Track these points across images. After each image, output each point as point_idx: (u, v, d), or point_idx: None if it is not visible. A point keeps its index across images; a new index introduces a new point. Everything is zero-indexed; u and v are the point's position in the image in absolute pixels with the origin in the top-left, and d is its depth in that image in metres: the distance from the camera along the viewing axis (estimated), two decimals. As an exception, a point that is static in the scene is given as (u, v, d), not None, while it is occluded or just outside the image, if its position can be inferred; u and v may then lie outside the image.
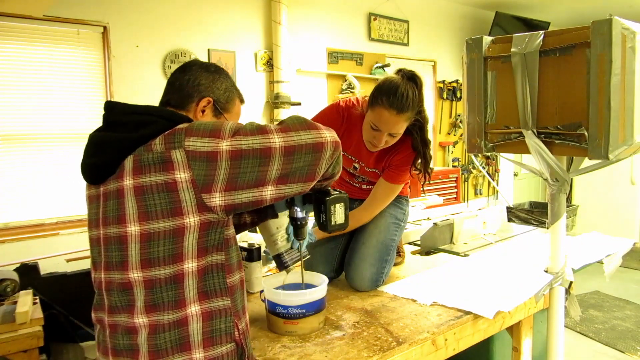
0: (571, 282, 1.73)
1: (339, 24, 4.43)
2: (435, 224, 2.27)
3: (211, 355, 0.97)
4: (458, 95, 5.47)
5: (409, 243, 2.35)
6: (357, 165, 1.84)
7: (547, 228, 1.73)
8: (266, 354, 1.23)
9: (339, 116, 1.75)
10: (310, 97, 4.20)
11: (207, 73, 1.15)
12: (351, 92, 4.30)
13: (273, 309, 1.34)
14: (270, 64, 3.93)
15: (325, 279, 1.41)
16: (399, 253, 2.01)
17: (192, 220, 0.93)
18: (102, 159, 0.98)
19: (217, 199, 0.93)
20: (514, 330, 1.71)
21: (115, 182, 0.96)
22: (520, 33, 1.50)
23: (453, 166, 5.47)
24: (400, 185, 1.79)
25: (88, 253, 1.08)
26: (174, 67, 2.76)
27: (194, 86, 1.12)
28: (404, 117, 1.58)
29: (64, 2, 2.97)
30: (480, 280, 1.75)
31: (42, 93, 3.00)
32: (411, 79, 1.60)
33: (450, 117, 5.54)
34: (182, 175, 0.92)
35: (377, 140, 1.63)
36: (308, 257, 1.39)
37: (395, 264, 1.93)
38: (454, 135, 5.57)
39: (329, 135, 1.02)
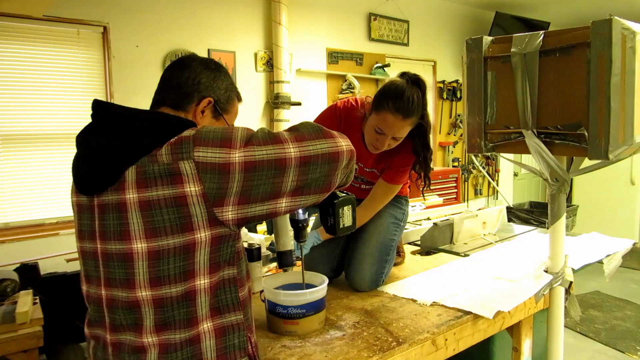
0: (571, 282, 1.73)
1: (339, 24, 4.43)
2: (435, 224, 2.27)
3: None
4: (458, 95, 5.47)
5: (409, 243, 2.35)
6: (356, 166, 1.83)
7: (547, 228, 1.73)
8: (266, 354, 1.23)
9: (336, 118, 1.75)
10: (310, 97, 4.20)
11: (207, 71, 1.07)
12: (351, 92, 4.30)
13: (273, 309, 1.34)
14: (270, 64, 3.93)
15: (325, 279, 1.41)
16: (399, 253, 2.01)
17: (203, 235, 0.88)
18: (100, 169, 0.91)
19: (230, 213, 0.88)
20: (514, 330, 1.71)
21: (114, 194, 0.89)
22: (520, 33, 1.50)
23: (453, 166, 5.47)
24: (399, 186, 1.79)
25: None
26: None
27: (194, 85, 1.04)
28: (408, 122, 1.58)
29: (64, 2, 2.96)
30: (480, 280, 1.75)
31: (42, 93, 3.00)
32: (415, 82, 1.59)
33: (450, 117, 5.54)
34: (192, 189, 0.86)
35: (380, 144, 1.63)
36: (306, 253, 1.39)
37: (395, 264, 1.93)
38: (454, 135, 5.57)
39: (344, 143, 0.97)
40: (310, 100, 4.16)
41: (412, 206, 3.01)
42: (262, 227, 2.37)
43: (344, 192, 1.20)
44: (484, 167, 5.80)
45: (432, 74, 5.34)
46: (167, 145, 0.88)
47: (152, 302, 0.89)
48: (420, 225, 2.59)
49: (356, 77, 4.38)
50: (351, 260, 1.74)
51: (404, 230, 2.34)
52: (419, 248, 2.23)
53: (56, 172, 3.05)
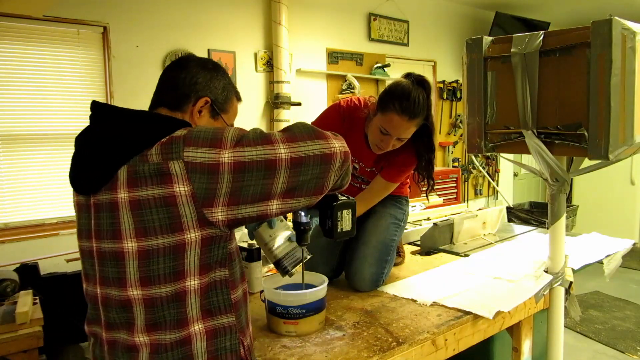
0: (571, 282, 1.73)
1: (339, 24, 4.43)
2: (435, 224, 2.27)
3: None
4: (458, 95, 5.47)
5: (409, 243, 2.35)
6: (357, 166, 1.84)
7: (547, 228, 1.73)
8: (266, 354, 1.23)
9: (340, 116, 1.75)
10: (310, 97, 4.20)
11: (204, 71, 1.06)
12: (351, 92, 4.30)
13: (273, 309, 1.34)
14: (270, 64, 3.93)
15: (325, 279, 1.41)
16: (399, 253, 2.01)
17: (193, 235, 0.88)
18: (93, 168, 0.92)
19: (219, 214, 0.88)
20: (514, 330, 1.71)
21: (107, 193, 0.90)
22: (520, 33, 1.50)
23: (453, 166, 5.47)
24: (395, 185, 1.79)
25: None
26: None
27: (191, 85, 1.04)
28: (414, 123, 1.59)
29: (64, 2, 2.96)
30: (480, 280, 1.75)
31: (42, 93, 3.00)
32: (421, 83, 1.59)
33: (450, 117, 5.54)
34: (181, 189, 0.86)
35: (384, 144, 1.63)
36: (310, 257, 1.37)
37: (395, 264, 1.93)
38: (454, 135, 5.57)
39: (338, 145, 0.95)
40: (310, 100, 4.16)
41: (412, 206, 3.01)
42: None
43: (344, 196, 1.18)
44: (484, 167, 5.80)
45: (432, 74, 5.34)
46: (158, 145, 0.88)
47: (142, 301, 0.89)
48: (420, 225, 2.59)
49: (356, 77, 4.38)
50: (351, 260, 1.74)
51: (404, 231, 2.35)
52: (419, 248, 2.23)
53: (56, 172, 3.05)
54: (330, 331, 1.35)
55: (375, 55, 4.67)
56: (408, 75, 1.62)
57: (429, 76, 5.31)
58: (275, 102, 3.88)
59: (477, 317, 1.46)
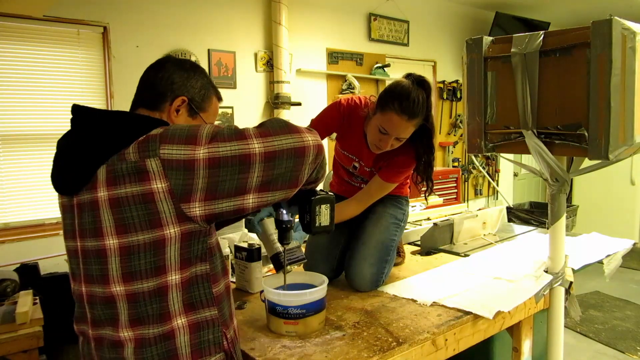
0: (571, 283, 1.73)
1: (339, 24, 4.43)
2: (435, 224, 2.27)
3: None
4: (458, 95, 5.47)
5: (409, 243, 2.35)
6: (356, 165, 1.84)
7: (547, 228, 1.73)
8: (266, 354, 1.23)
9: (340, 115, 1.75)
10: (310, 97, 4.20)
11: (181, 71, 1.09)
12: (351, 92, 4.31)
13: (273, 309, 1.34)
14: (270, 64, 3.93)
15: (325, 279, 1.41)
16: (399, 253, 2.01)
17: (172, 231, 0.90)
18: (73, 169, 0.95)
19: (197, 209, 0.90)
20: (514, 330, 1.71)
21: (88, 193, 0.92)
22: (520, 33, 1.50)
23: (453, 166, 5.47)
24: (393, 185, 1.79)
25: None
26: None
27: (167, 84, 1.06)
28: (413, 123, 1.59)
29: (64, 2, 2.97)
30: (480, 280, 1.75)
31: (42, 93, 3.00)
32: (421, 84, 1.59)
33: (450, 117, 5.54)
34: (158, 186, 0.88)
35: (383, 144, 1.63)
36: (304, 260, 1.38)
37: (395, 264, 1.93)
38: (454, 135, 5.57)
39: (311, 138, 0.98)
40: (310, 100, 4.16)
41: (412, 206, 3.01)
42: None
43: (323, 191, 1.19)
44: (484, 167, 5.80)
45: (432, 74, 5.34)
46: (135, 144, 0.90)
47: (125, 297, 0.91)
48: (420, 225, 2.59)
49: (356, 77, 4.39)
50: (351, 260, 1.74)
51: (404, 231, 2.35)
52: (419, 248, 2.23)
53: (56, 172, 3.05)
54: (330, 331, 1.35)
55: (375, 55, 4.67)
56: (408, 76, 1.62)
57: (429, 76, 5.32)
58: (275, 102, 3.88)
59: (477, 317, 1.46)
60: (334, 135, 1.87)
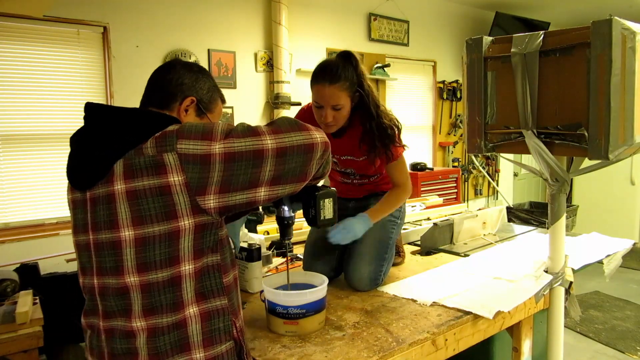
0: (571, 282, 1.73)
1: (339, 24, 4.43)
2: (435, 224, 2.27)
3: (211, 354, 0.98)
4: (458, 95, 5.47)
5: (409, 243, 2.35)
6: (335, 160, 1.86)
7: (547, 228, 1.73)
8: (266, 354, 1.23)
9: (310, 116, 1.81)
10: (310, 97, 4.19)
11: (190, 72, 1.14)
12: (351, 92, 4.30)
13: (273, 309, 1.34)
14: (270, 64, 3.93)
15: (325, 279, 1.41)
16: (399, 253, 2.01)
17: (187, 222, 0.93)
18: (91, 164, 0.98)
19: (211, 201, 0.94)
20: (514, 330, 1.71)
21: (104, 187, 0.95)
22: (520, 33, 1.50)
23: (453, 166, 5.47)
24: (402, 157, 1.77)
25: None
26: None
27: (177, 85, 1.12)
28: (337, 87, 1.63)
29: (64, 2, 2.97)
30: (480, 280, 1.75)
31: (42, 93, 3.00)
32: (344, 56, 1.68)
33: (450, 117, 5.54)
34: (175, 179, 0.91)
35: (324, 117, 1.67)
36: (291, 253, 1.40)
37: (395, 264, 1.93)
38: (454, 135, 5.57)
39: (319, 136, 1.03)
40: (310, 100, 4.15)
41: (412, 206, 3.01)
42: (261, 227, 2.37)
43: (325, 186, 1.24)
44: (484, 167, 5.80)
45: (432, 74, 5.34)
46: (152, 139, 0.94)
47: (139, 287, 0.94)
48: (420, 225, 2.59)
49: (356, 77, 4.38)
50: (349, 259, 1.74)
51: (404, 230, 2.35)
52: (419, 248, 2.23)
53: (56, 172, 3.05)
54: (330, 331, 1.35)
55: (375, 55, 4.67)
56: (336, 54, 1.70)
57: (429, 76, 5.33)
58: (275, 102, 3.88)
59: (477, 317, 1.46)
60: None
